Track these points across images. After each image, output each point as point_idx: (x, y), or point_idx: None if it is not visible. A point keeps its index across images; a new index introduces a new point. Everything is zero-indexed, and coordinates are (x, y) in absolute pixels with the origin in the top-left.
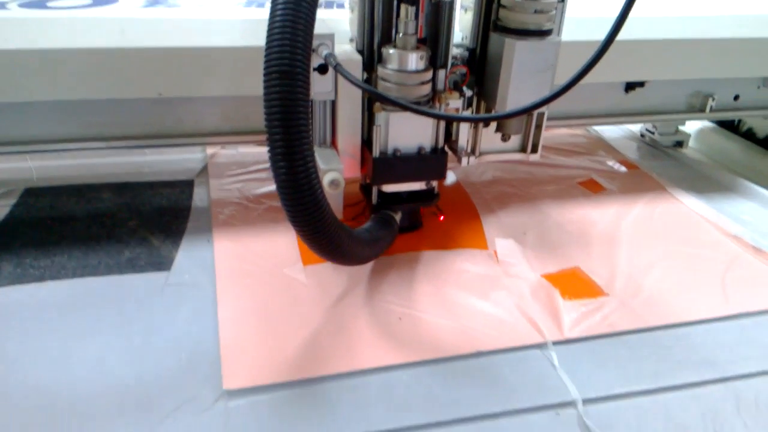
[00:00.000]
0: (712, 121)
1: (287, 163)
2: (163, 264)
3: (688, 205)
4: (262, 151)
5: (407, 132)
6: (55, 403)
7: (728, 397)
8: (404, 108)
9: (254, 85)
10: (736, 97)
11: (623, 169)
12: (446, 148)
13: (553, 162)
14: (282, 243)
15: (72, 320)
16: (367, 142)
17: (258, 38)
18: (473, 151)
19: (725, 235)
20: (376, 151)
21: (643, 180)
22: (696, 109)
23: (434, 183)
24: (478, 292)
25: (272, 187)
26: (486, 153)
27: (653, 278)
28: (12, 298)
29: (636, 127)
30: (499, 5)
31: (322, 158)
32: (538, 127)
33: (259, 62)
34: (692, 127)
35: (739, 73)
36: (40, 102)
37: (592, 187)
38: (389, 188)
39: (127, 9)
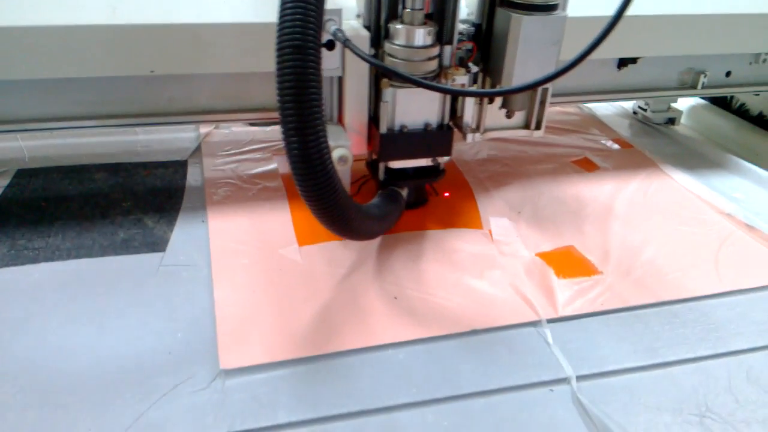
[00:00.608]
0: (704, 98)
1: (299, 138)
2: (157, 245)
3: (681, 183)
4: (256, 131)
5: (414, 108)
6: (53, 384)
7: (720, 373)
8: (415, 83)
9: (248, 62)
10: (728, 74)
11: (616, 146)
12: (451, 125)
13: (547, 140)
14: (277, 223)
15: (67, 302)
16: (373, 119)
17: (252, 14)
18: (478, 128)
19: (718, 213)
20: (383, 127)
21: (636, 158)
22: (688, 86)
23: (440, 159)
24: (473, 271)
25: (267, 167)
26: (490, 129)
27: (647, 256)
28: (6, 280)
29: (628, 104)
30: None
31: (329, 135)
32: (542, 103)
33: (252, 38)
34: (684, 104)
35: (731, 49)
36: (29, 80)
37: (586, 166)
38: (396, 164)
39: None
